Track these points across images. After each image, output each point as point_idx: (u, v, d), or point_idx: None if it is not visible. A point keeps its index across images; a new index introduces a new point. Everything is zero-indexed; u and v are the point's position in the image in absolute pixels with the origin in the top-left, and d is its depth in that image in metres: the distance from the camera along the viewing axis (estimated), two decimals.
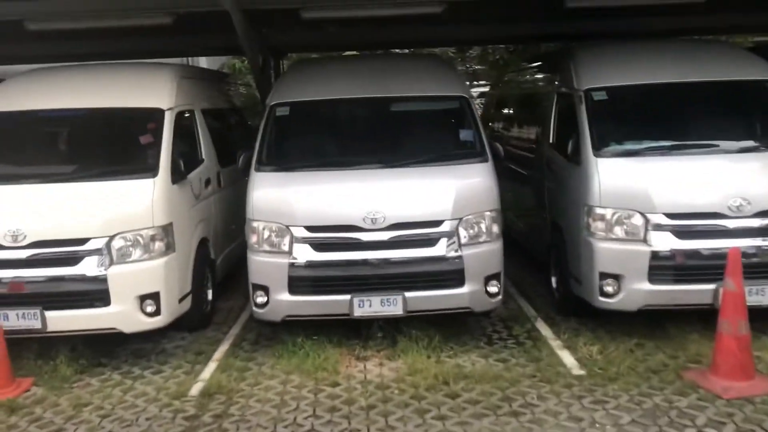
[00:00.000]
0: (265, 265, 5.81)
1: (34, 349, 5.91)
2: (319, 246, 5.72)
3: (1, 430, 4.82)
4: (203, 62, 13.81)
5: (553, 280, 6.96)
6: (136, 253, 5.69)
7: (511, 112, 9.93)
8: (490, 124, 10.61)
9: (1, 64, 8.18)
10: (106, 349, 6.10)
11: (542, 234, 7.40)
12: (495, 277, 5.88)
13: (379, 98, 6.54)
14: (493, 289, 5.86)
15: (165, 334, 6.38)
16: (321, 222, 5.73)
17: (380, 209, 5.66)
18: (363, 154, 6.23)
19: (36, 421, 4.93)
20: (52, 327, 5.54)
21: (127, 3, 7.13)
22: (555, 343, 5.95)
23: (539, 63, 9.13)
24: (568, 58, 7.04)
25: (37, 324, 5.50)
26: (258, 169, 6.13)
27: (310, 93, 6.66)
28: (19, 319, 5.48)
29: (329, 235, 5.73)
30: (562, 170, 6.67)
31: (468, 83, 20.86)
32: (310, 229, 5.72)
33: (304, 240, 5.72)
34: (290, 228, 5.73)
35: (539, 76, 8.80)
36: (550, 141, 7.18)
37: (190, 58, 12.96)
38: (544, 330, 6.29)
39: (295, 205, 5.78)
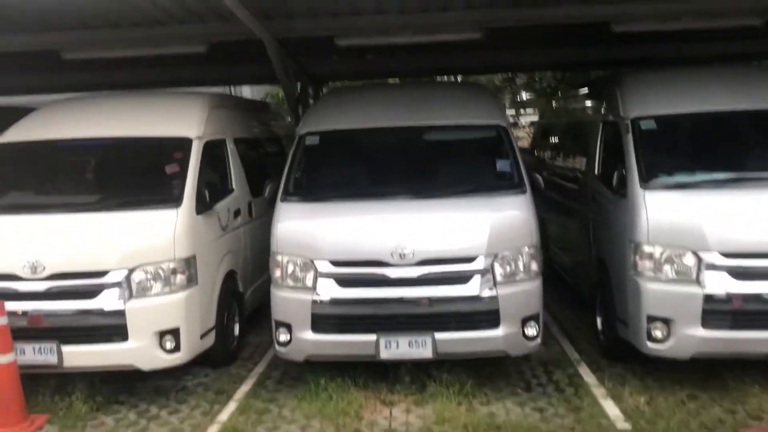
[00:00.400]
0: (287, 301, 5.53)
1: (52, 385, 5.73)
2: (344, 282, 5.42)
3: None
4: (246, 91, 13.83)
5: (599, 320, 6.48)
6: (156, 287, 5.49)
7: (557, 141, 9.54)
8: (535, 152, 10.27)
9: (37, 93, 8.26)
10: (126, 384, 5.88)
11: (587, 270, 6.95)
12: (533, 318, 5.47)
13: (411, 127, 6.27)
14: (531, 331, 5.45)
15: (188, 371, 6.15)
16: (346, 256, 5.44)
17: (409, 243, 5.33)
18: (393, 185, 5.94)
19: None
20: (68, 362, 5.35)
21: (160, 31, 7.07)
22: (598, 392, 5.49)
23: (585, 90, 8.74)
24: (614, 84, 6.65)
25: (53, 359, 5.33)
26: (284, 200, 5.89)
27: (341, 122, 6.43)
28: (36, 354, 5.32)
29: (355, 271, 5.43)
30: (607, 203, 6.25)
31: (516, 111, 20.60)
32: (334, 263, 5.43)
33: (328, 275, 5.42)
34: (315, 262, 5.45)
35: (585, 104, 8.40)
36: (596, 172, 6.77)
37: (233, 87, 12.97)
38: (587, 376, 5.83)
39: (319, 237, 5.51)
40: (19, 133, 6.37)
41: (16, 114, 6.75)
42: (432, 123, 6.33)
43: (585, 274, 7.09)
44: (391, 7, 7.00)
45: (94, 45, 7.37)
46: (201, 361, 6.01)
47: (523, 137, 20.43)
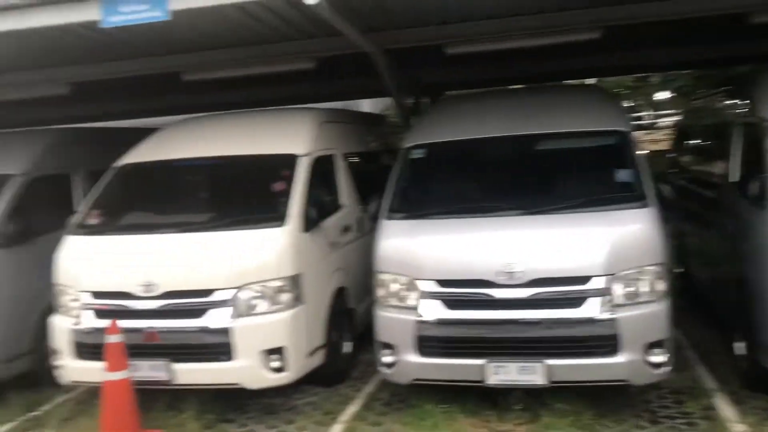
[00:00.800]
0: (391, 321, 5.36)
1: (165, 401, 5.82)
2: (448, 302, 5.16)
3: None
4: (366, 104, 13.86)
5: (740, 345, 5.79)
6: (262, 306, 5.48)
7: (695, 144, 8.77)
8: (674, 156, 9.52)
9: (158, 115, 8.65)
10: (237, 402, 5.91)
11: (727, 289, 6.25)
12: (659, 344, 4.95)
13: (523, 136, 5.92)
14: (657, 358, 4.93)
15: (299, 389, 6.09)
16: (451, 276, 5.18)
17: (518, 262, 4.99)
18: (503, 200, 5.61)
19: None
20: (178, 379, 5.45)
21: (270, 50, 7.16)
22: (737, 428, 4.87)
23: (723, 89, 7.96)
24: (752, 82, 5.96)
25: (165, 376, 5.44)
26: (387, 217, 5.72)
27: (448, 133, 6.18)
28: (149, 371, 5.44)
29: (460, 291, 5.16)
30: (746, 214, 5.58)
31: (653, 112, 19.43)
32: (439, 283, 5.19)
33: (432, 295, 5.19)
34: (418, 282, 5.23)
35: (722, 103, 7.65)
36: (733, 179, 6.09)
37: (352, 102, 13.02)
38: (725, 409, 5.21)
39: (423, 256, 5.29)
40: (137, 154, 6.63)
41: (140, 135, 7.02)
42: (544, 131, 5.94)
43: (725, 294, 6.39)
44: (504, 11, 6.68)
45: (211, 66, 7.58)
46: (311, 380, 5.95)
47: (660, 139, 19.25)
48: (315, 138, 6.54)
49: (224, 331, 5.38)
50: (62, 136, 7.99)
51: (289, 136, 6.50)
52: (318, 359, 5.91)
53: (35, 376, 6.44)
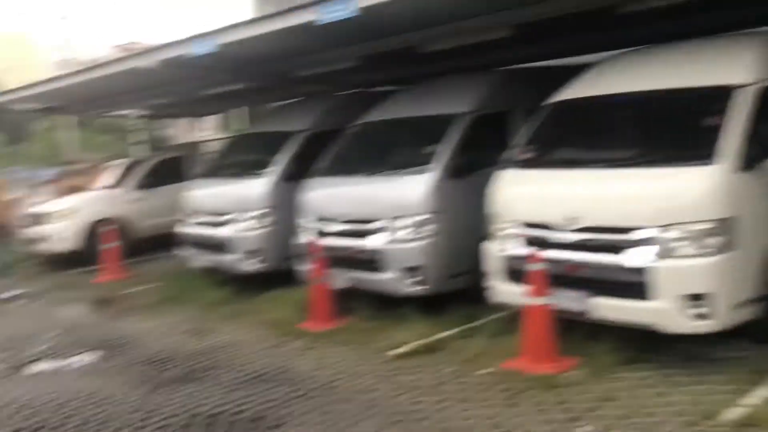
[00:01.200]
0: None
1: (584, 332, 5.87)
2: None
3: (527, 404, 5.11)
4: None
5: None
6: (687, 248, 5.21)
7: None
8: None
9: (590, 52, 8.47)
10: (652, 344, 5.71)
11: None
12: None
13: None
14: None
15: (723, 341, 5.61)
16: None
17: None
18: None
19: (561, 403, 5.04)
20: (594, 313, 5.55)
21: None
22: None
23: None
24: None
25: (581, 307, 5.61)
26: None
27: None
28: (566, 301, 5.65)
29: None
30: None
31: None
32: None
33: None
34: None
35: None
36: None
37: None
38: None
39: None
40: (569, 92, 6.70)
41: (571, 73, 7.09)
42: None
43: None
44: None
45: None
46: (740, 334, 5.45)
47: None
48: (760, 65, 5.80)
49: (642, 271, 5.28)
50: (502, 77, 8.63)
51: (727, 65, 5.89)
52: (750, 312, 5.37)
53: (472, 293, 7.21)
